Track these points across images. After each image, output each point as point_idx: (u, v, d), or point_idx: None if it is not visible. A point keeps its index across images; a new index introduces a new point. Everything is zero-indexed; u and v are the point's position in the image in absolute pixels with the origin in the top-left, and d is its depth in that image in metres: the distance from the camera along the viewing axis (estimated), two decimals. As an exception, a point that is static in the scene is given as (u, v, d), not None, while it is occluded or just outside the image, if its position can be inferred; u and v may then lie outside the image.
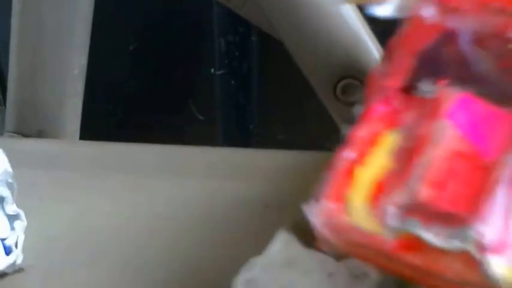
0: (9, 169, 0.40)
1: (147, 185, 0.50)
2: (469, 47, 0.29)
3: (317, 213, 0.29)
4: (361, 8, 0.57)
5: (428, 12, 0.30)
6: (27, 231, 0.41)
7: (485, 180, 0.27)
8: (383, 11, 0.31)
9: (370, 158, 0.30)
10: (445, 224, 0.27)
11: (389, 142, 0.30)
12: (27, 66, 0.72)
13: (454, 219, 0.27)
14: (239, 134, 0.99)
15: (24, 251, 0.40)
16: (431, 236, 0.27)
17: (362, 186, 0.29)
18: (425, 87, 0.30)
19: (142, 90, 0.96)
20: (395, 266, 0.28)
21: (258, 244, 0.32)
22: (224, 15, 0.92)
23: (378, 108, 0.31)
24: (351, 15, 0.61)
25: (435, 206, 0.27)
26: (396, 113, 0.30)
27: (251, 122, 0.98)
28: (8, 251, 0.39)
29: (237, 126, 0.99)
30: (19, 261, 0.40)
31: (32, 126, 0.71)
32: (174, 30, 0.95)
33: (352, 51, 0.60)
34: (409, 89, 0.31)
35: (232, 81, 0.95)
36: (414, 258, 0.27)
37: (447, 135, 0.28)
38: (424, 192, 0.27)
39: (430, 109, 0.29)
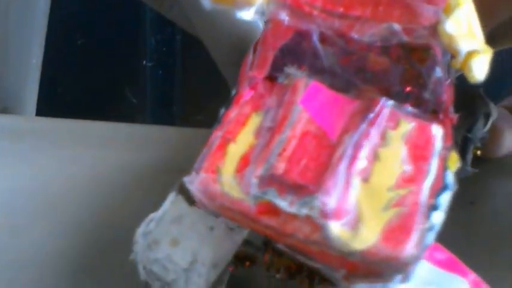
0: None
1: (87, 157, 0.50)
2: (318, 44, 0.30)
3: (194, 183, 0.29)
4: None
5: (284, 17, 0.30)
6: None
7: (330, 157, 0.27)
8: (245, 15, 0.30)
9: (239, 136, 0.29)
10: (296, 193, 0.27)
11: (254, 122, 0.30)
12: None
13: (303, 190, 0.27)
14: (165, 115, 1.00)
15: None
16: (284, 203, 0.27)
17: (231, 160, 0.29)
18: (284, 76, 0.30)
19: (87, 78, 0.96)
20: (258, 227, 0.28)
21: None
22: (155, 18, 0.92)
23: (246, 94, 0.31)
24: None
25: (288, 178, 0.27)
26: (261, 98, 0.30)
27: (175, 105, 0.99)
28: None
29: (164, 108, 1.00)
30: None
31: (-2, 104, 0.71)
32: (115, 29, 0.95)
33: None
34: (272, 78, 0.31)
35: (160, 72, 0.96)
36: (271, 221, 0.27)
37: (299, 118, 0.28)
38: (279, 166, 0.27)
39: (287, 95, 0.29)
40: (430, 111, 0.29)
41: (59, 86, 0.96)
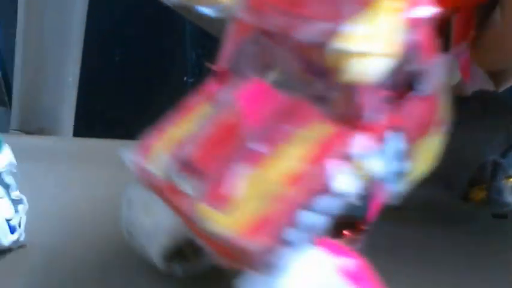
0: (14, 161, 0.40)
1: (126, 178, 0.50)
2: (271, 43, 0.30)
3: (130, 157, 0.32)
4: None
5: (245, 16, 0.31)
6: (28, 214, 0.40)
7: (236, 148, 0.29)
8: (210, 12, 0.33)
9: (184, 121, 0.31)
10: (193, 175, 0.29)
11: (203, 112, 0.31)
12: (30, 73, 0.71)
13: (198, 173, 0.29)
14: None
15: (26, 230, 0.40)
16: (181, 181, 0.29)
17: (167, 142, 0.31)
18: (240, 71, 0.32)
19: (127, 96, 0.95)
20: (168, 202, 0.31)
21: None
22: (195, 31, 0.91)
23: (208, 85, 0.33)
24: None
25: (190, 162, 0.30)
26: (216, 90, 0.32)
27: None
28: (12, 230, 0.39)
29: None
30: (22, 238, 0.40)
31: (33, 125, 0.71)
32: (156, 44, 0.94)
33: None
34: (231, 72, 0.32)
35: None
36: (174, 198, 0.30)
37: (230, 111, 0.30)
38: (190, 153, 0.30)
39: (232, 90, 0.31)
40: (353, 117, 0.29)
41: (97, 105, 0.95)
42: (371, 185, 0.30)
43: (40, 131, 0.71)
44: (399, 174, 0.31)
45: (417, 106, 0.30)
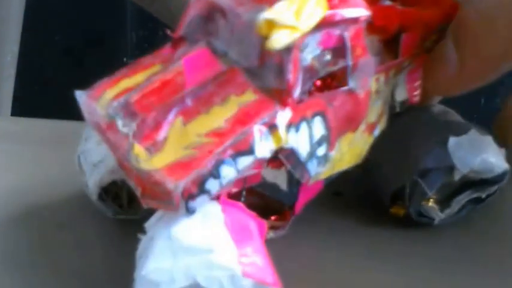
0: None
1: (62, 156, 0.49)
2: (220, 18, 0.34)
3: (81, 97, 0.34)
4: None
5: None
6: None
7: (172, 102, 0.32)
8: None
9: (136, 75, 0.34)
10: (131, 119, 0.32)
11: (153, 69, 0.34)
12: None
13: (135, 117, 0.32)
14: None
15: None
16: (120, 122, 0.32)
17: (117, 89, 0.34)
18: (191, 40, 0.35)
19: (65, 76, 0.94)
20: (106, 140, 0.33)
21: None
22: (136, 13, 0.91)
23: (163, 49, 0.36)
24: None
25: (132, 106, 0.32)
26: (167, 53, 0.35)
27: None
28: None
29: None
30: None
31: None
32: (95, 24, 0.94)
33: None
34: (184, 39, 0.35)
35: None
36: (111, 136, 0.32)
37: (175, 70, 0.33)
38: (134, 98, 0.32)
39: (182, 53, 0.34)
40: (282, 92, 0.32)
41: (35, 85, 0.94)
42: (298, 170, 0.33)
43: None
44: (319, 158, 0.34)
45: (344, 100, 0.34)
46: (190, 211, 0.30)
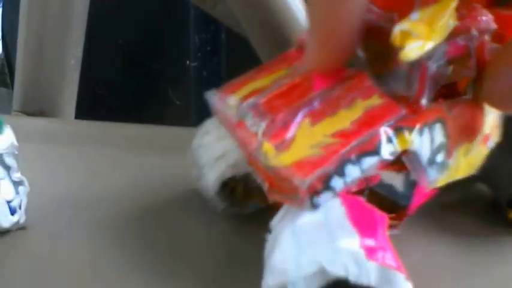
0: (15, 142, 0.40)
1: (129, 160, 0.50)
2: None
3: (213, 97, 0.38)
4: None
5: None
6: (29, 196, 0.40)
7: (300, 104, 0.34)
8: None
9: (262, 78, 0.37)
10: (260, 118, 0.34)
11: (280, 73, 0.37)
12: (32, 55, 0.71)
13: (265, 116, 0.34)
14: (210, 117, 0.98)
15: (26, 212, 0.40)
16: (250, 122, 0.34)
17: (245, 91, 0.36)
18: None
19: (129, 80, 0.95)
20: (235, 136, 0.36)
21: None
22: (199, 16, 0.91)
23: (289, 53, 0.38)
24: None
25: (261, 107, 0.34)
26: (293, 57, 0.38)
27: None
28: (12, 211, 0.39)
29: (208, 110, 0.98)
30: (22, 220, 0.40)
31: (35, 107, 0.71)
32: (157, 28, 0.94)
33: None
34: None
35: (204, 72, 0.95)
36: (240, 133, 0.35)
37: (303, 74, 0.35)
38: (262, 100, 0.35)
39: None
40: (410, 99, 0.33)
41: (99, 88, 0.94)
42: (416, 171, 0.34)
43: (41, 113, 0.71)
44: (438, 165, 0.34)
45: (464, 109, 0.34)
46: (315, 206, 0.32)
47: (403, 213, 0.38)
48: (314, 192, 0.31)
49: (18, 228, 0.40)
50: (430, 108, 0.33)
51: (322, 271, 0.30)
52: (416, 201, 0.37)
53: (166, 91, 0.95)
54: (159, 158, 0.50)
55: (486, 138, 0.37)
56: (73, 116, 0.75)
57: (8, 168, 0.39)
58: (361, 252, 0.30)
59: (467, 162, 0.36)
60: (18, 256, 0.38)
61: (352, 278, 0.30)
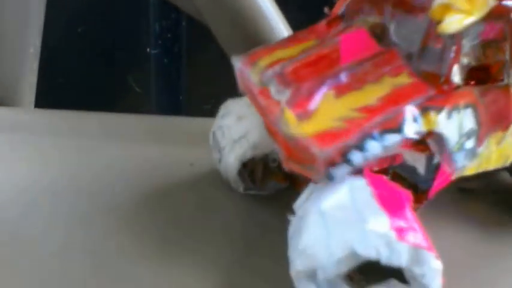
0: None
1: (90, 149, 0.49)
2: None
3: (239, 63, 0.37)
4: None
5: None
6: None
7: (327, 75, 0.34)
8: None
9: (290, 48, 0.36)
10: (285, 86, 0.34)
11: (308, 44, 0.36)
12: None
13: (289, 85, 0.34)
14: (170, 104, 0.98)
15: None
16: (274, 89, 0.34)
17: (271, 58, 0.36)
18: (347, 19, 0.37)
19: (89, 67, 0.95)
20: (256, 104, 0.36)
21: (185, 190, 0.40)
22: (159, 3, 0.91)
23: (319, 26, 0.38)
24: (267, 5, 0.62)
25: (286, 75, 0.35)
26: (323, 30, 0.37)
27: (181, 94, 0.97)
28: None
29: (169, 97, 0.98)
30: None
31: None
32: (117, 16, 0.93)
33: (267, 35, 0.60)
34: (341, 19, 0.37)
35: (165, 59, 0.95)
36: (262, 101, 0.35)
37: (331, 45, 0.35)
38: (289, 67, 0.35)
39: (338, 31, 0.36)
40: (440, 78, 0.33)
41: (59, 77, 0.94)
42: (440, 154, 0.33)
43: (1, 102, 0.70)
44: (467, 152, 0.34)
45: (497, 96, 0.34)
46: (329, 178, 0.32)
47: (423, 196, 0.37)
48: (331, 164, 0.31)
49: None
50: (460, 91, 0.33)
51: (353, 254, 0.30)
52: (437, 185, 0.37)
53: (126, 79, 0.95)
54: (118, 147, 0.50)
55: None
56: (33, 105, 0.74)
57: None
58: (392, 234, 0.30)
59: (499, 151, 0.35)
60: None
61: (384, 260, 0.30)
